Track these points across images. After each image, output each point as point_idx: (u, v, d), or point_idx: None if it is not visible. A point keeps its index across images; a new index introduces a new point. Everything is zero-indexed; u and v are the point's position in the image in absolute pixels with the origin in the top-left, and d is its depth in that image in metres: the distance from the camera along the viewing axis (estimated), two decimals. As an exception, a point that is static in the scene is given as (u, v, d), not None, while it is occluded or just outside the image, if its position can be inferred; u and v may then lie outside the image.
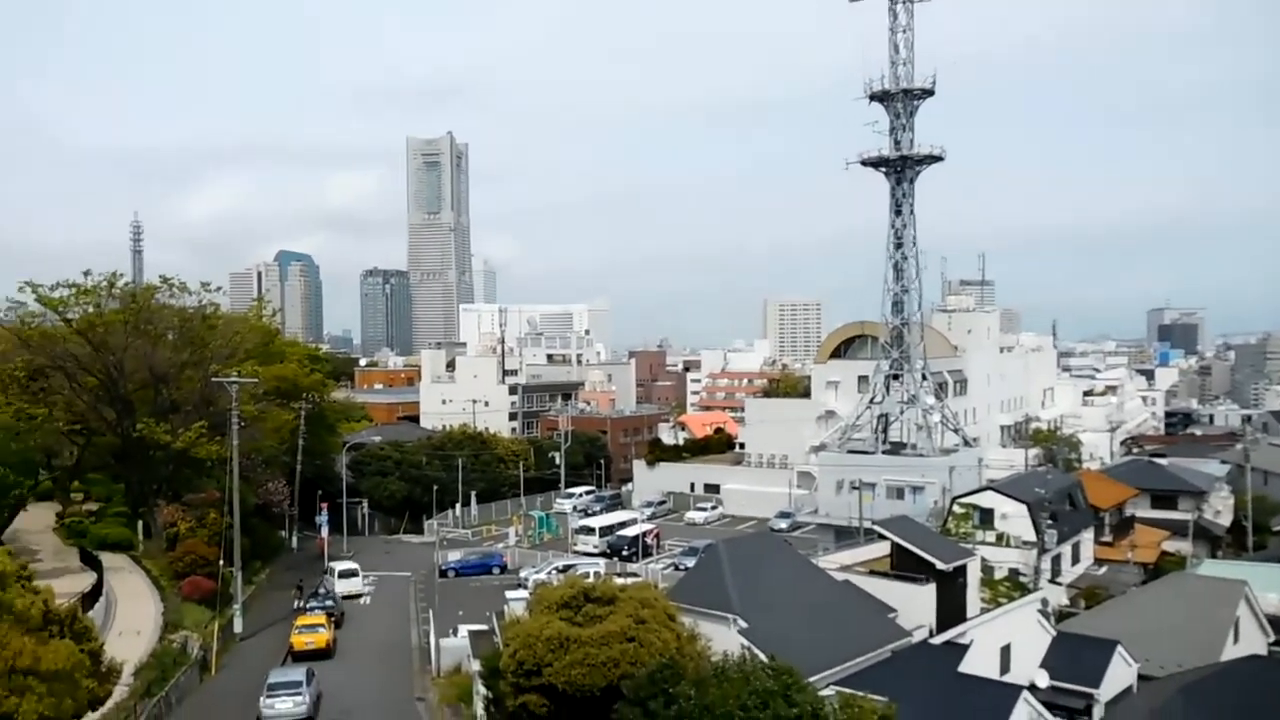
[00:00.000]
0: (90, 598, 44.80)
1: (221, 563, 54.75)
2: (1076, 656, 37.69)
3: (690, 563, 60.77)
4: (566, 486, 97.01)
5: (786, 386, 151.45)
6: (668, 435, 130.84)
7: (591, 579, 35.34)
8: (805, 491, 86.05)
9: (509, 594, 51.08)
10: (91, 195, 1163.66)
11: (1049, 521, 56.66)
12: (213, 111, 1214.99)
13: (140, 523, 65.45)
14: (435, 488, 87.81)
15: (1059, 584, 56.96)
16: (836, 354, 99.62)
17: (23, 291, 62.27)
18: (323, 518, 75.43)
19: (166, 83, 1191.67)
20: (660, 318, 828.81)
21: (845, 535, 68.96)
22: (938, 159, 78.25)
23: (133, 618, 48.18)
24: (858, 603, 39.84)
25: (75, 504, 73.62)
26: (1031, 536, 56.72)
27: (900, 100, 76.95)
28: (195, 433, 61.15)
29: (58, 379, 64.33)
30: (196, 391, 66.13)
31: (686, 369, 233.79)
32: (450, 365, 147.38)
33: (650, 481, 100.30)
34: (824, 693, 28.09)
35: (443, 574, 67.20)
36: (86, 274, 64.04)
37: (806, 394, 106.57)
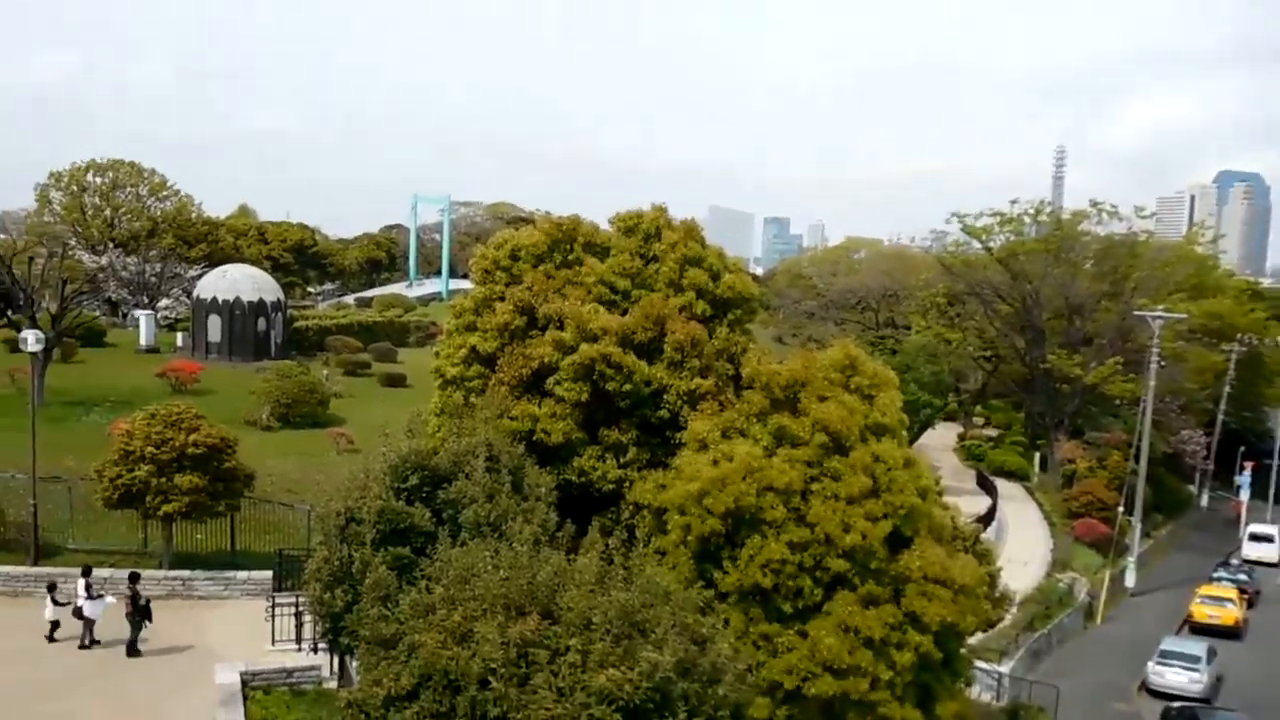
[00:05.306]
0: (984, 521, 48.88)
1: (1120, 509, 54.79)
2: None
3: None
4: None
5: None
6: None
7: None
8: None
9: None
10: (1010, 123, 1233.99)
11: None
12: (1147, 14, 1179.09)
13: (1037, 454, 68.84)
14: None
15: None
16: None
17: (949, 223, 69.24)
18: (1244, 478, 70.86)
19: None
20: None
21: None
22: None
23: (1021, 548, 51.05)
24: None
25: (976, 428, 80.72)
26: None
27: None
28: (1109, 369, 61.76)
29: (973, 305, 70.99)
30: (1113, 324, 66.56)
31: None
32: None
33: None
34: None
35: None
36: (1013, 203, 68.29)
37: None
